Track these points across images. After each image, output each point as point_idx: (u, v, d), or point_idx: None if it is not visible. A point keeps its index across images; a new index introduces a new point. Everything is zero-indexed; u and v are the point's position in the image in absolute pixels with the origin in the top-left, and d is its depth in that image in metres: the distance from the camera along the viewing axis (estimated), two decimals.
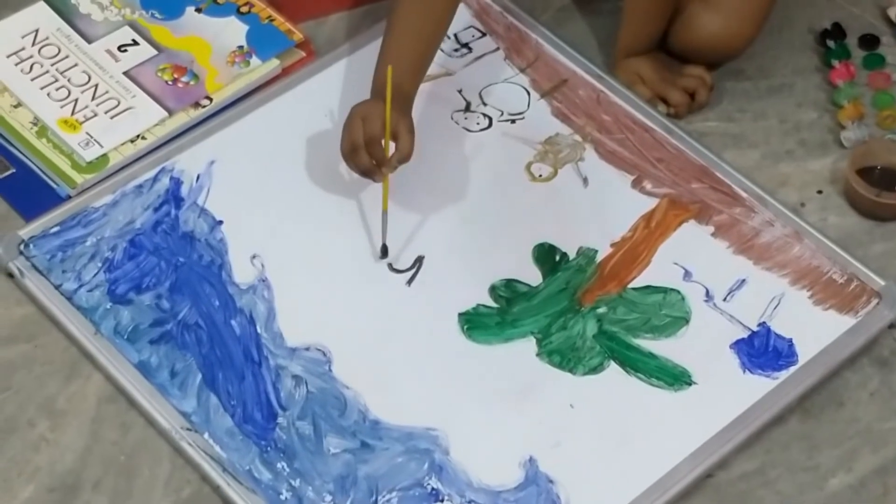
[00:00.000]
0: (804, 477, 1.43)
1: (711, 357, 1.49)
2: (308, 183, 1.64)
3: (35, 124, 1.69)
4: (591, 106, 1.73)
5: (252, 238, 1.58)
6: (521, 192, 1.65)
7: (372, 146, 1.52)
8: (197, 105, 1.71)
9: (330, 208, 1.62)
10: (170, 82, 1.73)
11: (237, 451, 1.41)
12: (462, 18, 1.81)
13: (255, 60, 1.76)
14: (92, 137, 1.67)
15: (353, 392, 1.46)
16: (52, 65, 1.75)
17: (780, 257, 1.58)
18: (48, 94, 1.71)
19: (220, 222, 1.60)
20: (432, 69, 1.70)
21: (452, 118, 1.72)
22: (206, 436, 1.42)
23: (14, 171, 1.66)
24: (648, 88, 1.74)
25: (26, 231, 1.58)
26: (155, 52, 1.76)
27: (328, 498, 1.38)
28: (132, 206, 1.61)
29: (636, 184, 1.66)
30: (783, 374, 1.48)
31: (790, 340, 1.51)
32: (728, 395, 1.46)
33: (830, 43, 1.80)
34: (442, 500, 1.39)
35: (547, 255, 1.58)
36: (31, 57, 1.75)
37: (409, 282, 1.56)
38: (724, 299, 1.54)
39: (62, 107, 1.70)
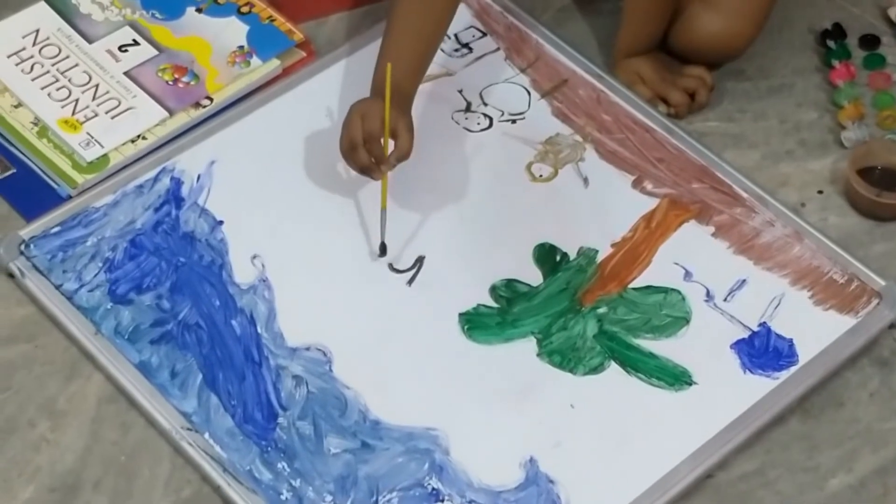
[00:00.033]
0: (804, 477, 1.43)
1: (712, 357, 1.49)
2: (309, 183, 1.64)
3: (36, 124, 1.69)
4: (591, 106, 1.73)
5: (252, 238, 1.59)
6: (522, 192, 1.65)
7: (371, 144, 1.52)
8: (197, 105, 1.71)
9: (330, 208, 1.62)
10: (170, 82, 1.73)
11: (237, 451, 1.41)
12: (462, 18, 1.81)
13: (255, 60, 1.76)
14: (92, 137, 1.67)
15: (354, 392, 1.46)
16: (53, 65, 1.75)
17: (781, 257, 1.58)
18: (49, 95, 1.71)
19: (221, 222, 1.60)
20: (433, 69, 1.70)
21: (453, 118, 1.72)
22: (206, 436, 1.42)
23: (15, 171, 1.66)
24: (649, 88, 1.74)
25: (27, 231, 1.58)
26: (155, 52, 1.76)
27: (328, 498, 1.39)
28: (133, 206, 1.61)
29: (637, 184, 1.66)
30: (783, 375, 1.48)
31: (790, 340, 1.51)
32: (728, 395, 1.46)
33: (831, 43, 1.80)
34: (442, 501, 1.39)
35: (547, 256, 1.58)
36: (31, 57, 1.75)
37: (410, 282, 1.56)
38: (725, 299, 1.54)
39: (63, 107, 1.70)
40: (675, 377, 1.48)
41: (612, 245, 1.59)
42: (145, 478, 1.41)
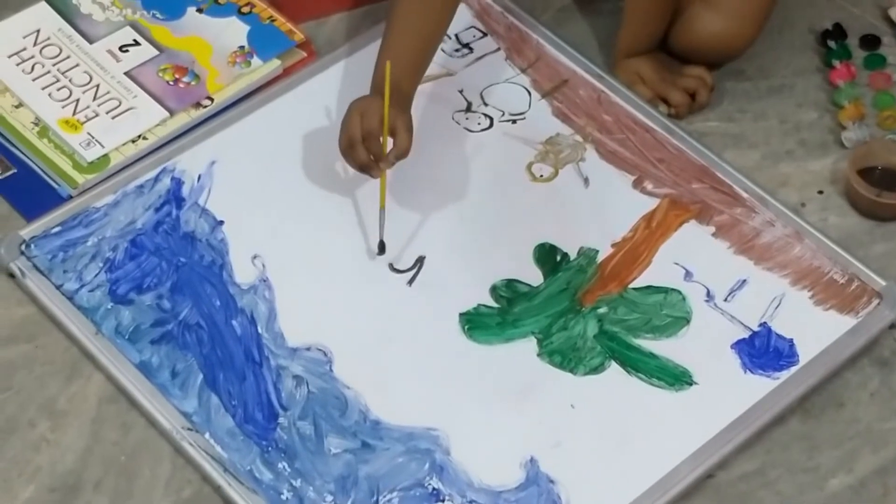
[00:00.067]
0: (804, 477, 1.43)
1: (712, 357, 1.49)
2: (309, 183, 1.64)
3: (36, 124, 1.69)
4: (591, 106, 1.73)
5: (253, 238, 1.59)
6: (522, 192, 1.65)
7: (369, 141, 1.52)
8: (198, 105, 1.71)
9: (331, 208, 1.62)
10: (171, 82, 1.73)
11: (238, 452, 1.41)
12: (463, 19, 1.81)
13: (256, 61, 1.76)
14: (93, 137, 1.67)
15: (354, 392, 1.46)
16: (54, 65, 1.75)
17: (781, 257, 1.58)
18: (49, 95, 1.71)
19: (221, 222, 1.60)
20: (433, 69, 1.71)
21: (453, 118, 1.72)
22: (206, 436, 1.42)
23: (15, 171, 1.66)
24: (649, 89, 1.74)
25: (27, 231, 1.58)
26: (156, 52, 1.76)
27: (329, 498, 1.39)
28: (133, 206, 1.62)
29: (637, 184, 1.66)
30: (784, 375, 1.48)
31: (791, 341, 1.51)
32: (729, 395, 1.46)
33: (831, 43, 1.80)
34: (443, 501, 1.39)
35: (548, 256, 1.58)
36: (32, 57, 1.76)
37: (410, 282, 1.56)
38: (725, 299, 1.54)
39: (63, 107, 1.70)
40: (676, 377, 1.48)
41: (613, 245, 1.59)
42: (146, 478, 1.41)
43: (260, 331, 1.50)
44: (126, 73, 1.74)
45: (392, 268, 1.57)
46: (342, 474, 1.40)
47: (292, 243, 1.58)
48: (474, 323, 1.52)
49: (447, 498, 1.39)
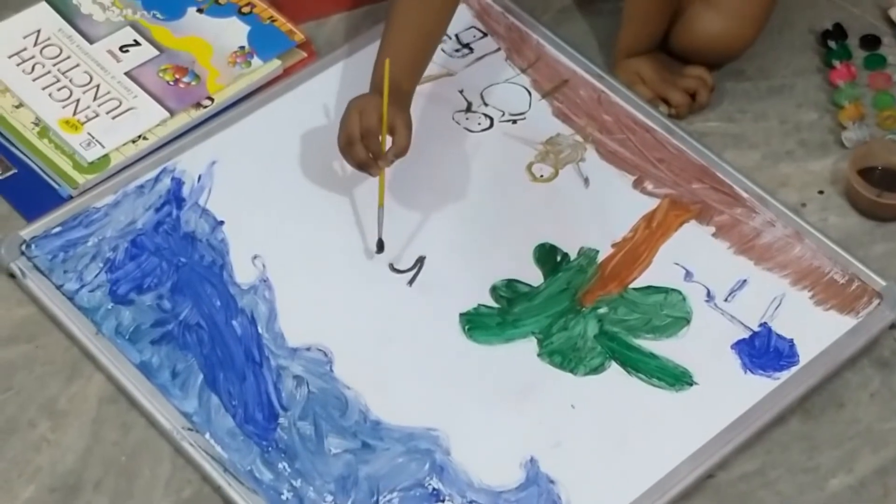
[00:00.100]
0: (804, 478, 1.43)
1: (712, 357, 1.49)
2: (309, 183, 1.64)
3: (36, 125, 1.69)
4: (592, 106, 1.73)
5: (253, 238, 1.59)
6: (522, 192, 1.65)
7: (368, 139, 1.52)
8: (198, 105, 1.71)
9: (331, 209, 1.62)
10: (171, 83, 1.73)
11: (238, 452, 1.41)
12: (463, 19, 1.81)
13: (256, 61, 1.76)
14: (93, 138, 1.67)
15: (354, 392, 1.46)
16: (54, 65, 1.75)
17: (781, 258, 1.58)
18: (50, 95, 1.72)
19: (222, 223, 1.60)
20: (433, 69, 1.71)
21: (454, 118, 1.72)
22: (207, 436, 1.42)
23: (15, 171, 1.66)
24: (649, 89, 1.74)
25: (28, 231, 1.58)
26: (156, 52, 1.76)
27: (329, 498, 1.39)
28: (133, 206, 1.62)
29: (637, 184, 1.66)
30: (784, 375, 1.48)
31: (791, 341, 1.51)
32: (729, 395, 1.46)
33: (831, 43, 1.80)
34: (443, 501, 1.39)
35: (548, 256, 1.58)
36: (32, 57, 1.76)
37: (411, 282, 1.56)
38: (725, 300, 1.54)
39: (64, 107, 1.70)
40: (676, 377, 1.48)
41: (613, 245, 1.59)
42: (146, 478, 1.41)
43: (260, 331, 1.50)
44: (126, 74, 1.74)
45: (392, 268, 1.57)
46: (342, 474, 1.40)
47: (292, 243, 1.58)
48: (474, 323, 1.52)
49: (447, 498, 1.39)
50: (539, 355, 1.50)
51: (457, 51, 1.79)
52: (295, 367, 1.48)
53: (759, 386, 1.47)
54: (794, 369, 1.48)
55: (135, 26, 1.79)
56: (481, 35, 1.81)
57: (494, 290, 1.55)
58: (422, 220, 1.61)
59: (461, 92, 1.75)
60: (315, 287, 1.55)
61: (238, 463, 1.40)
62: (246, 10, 1.82)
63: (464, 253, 1.58)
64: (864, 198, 1.63)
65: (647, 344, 1.51)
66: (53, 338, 1.52)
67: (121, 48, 1.77)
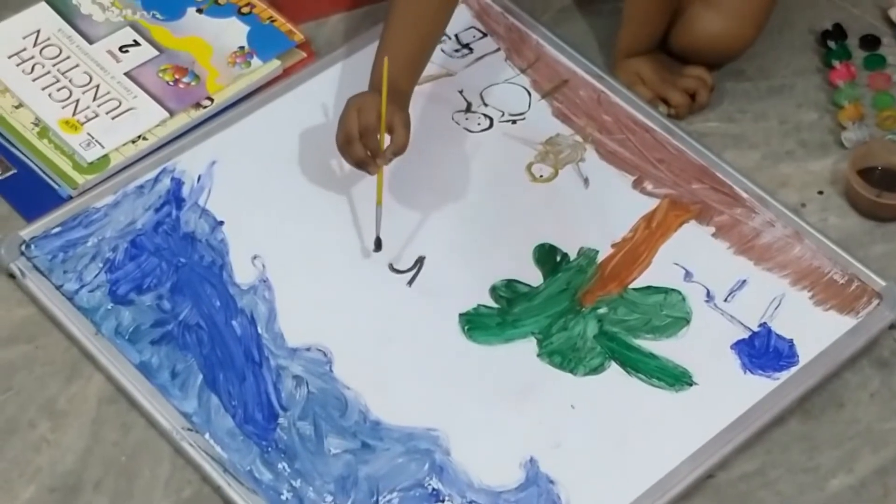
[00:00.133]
0: (804, 478, 1.43)
1: (712, 357, 1.49)
2: (309, 184, 1.64)
3: (36, 125, 1.69)
4: (591, 106, 1.73)
5: (253, 238, 1.59)
6: (522, 192, 1.65)
7: (367, 137, 1.52)
8: (198, 106, 1.71)
9: (331, 209, 1.62)
10: (171, 83, 1.73)
11: (238, 452, 1.41)
12: (463, 19, 1.81)
13: (255, 61, 1.76)
14: (93, 138, 1.67)
15: (354, 392, 1.46)
16: (54, 65, 1.75)
17: (781, 258, 1.58)
18: (49, 95, 1.72)
19: (221, 223, 1.60)
20: (433, 70, 1.71)
21: (453, 119, 1.72)
22: (206, 436, 1.42)
23: (15, 171, 1.66)
24: (649, 89, 1.74)
25: (27, 231, 1.58)
26: (156, 52, 1.76)
27: (329, 498, 1.39)
28: (133, 206, 1.62)
29: (637, 184, 1.66)
30: (784, 375, 1.48)
31: (791, 341, 1.51)
32: (728, 395, 1.46)
33: (831, 44, 1.80)
34: (443, 501, 1.39)
35: (548, 256, 1.58)
36: (32, 58, 1.76)
37: (410, 282, 1.56)
38: (725, 300, 1.54)
39: (63, 107, 1.70)
40: (676, 377, 1.48)
41: (613, 245, 1.59)
42: (146, 478, 1.41)
43: (260, 331, 1.50)
44: (126, 74, 1.74)
45: (392, 268, 1.57)
46: (342, 475, 1.40)
47: (292, 244, 1.58)
48: (474, 323, 1.52)
49: (447, 498, 1.39)
50: (539, 355, 1.50)
51: (456, 51, 1.79)
52: (295, 367, 1.48)
53: (759, 386, 1.47)
54: (793, 369, 1.48)
55: (134, 26, 1.79)
56: (481, 35, 1.81)
57: (494, 291, 1.55)
58: (421, 221, 1.61)
59: (461, 92, 1.75)
60: (315, 287, 1.55)
61: (238, 463, 1.40)
62: (245, 10, 1.82)
63: (463, 253, 1.58)
64: (863, 198, 1.63)
65: (647, 344, 1.51)
66: (53, 338, 1.52)
67: (120, 48, 1.77)
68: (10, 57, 1.75)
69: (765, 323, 1.52)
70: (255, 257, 1.57)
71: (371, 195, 1.57)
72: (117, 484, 1.41)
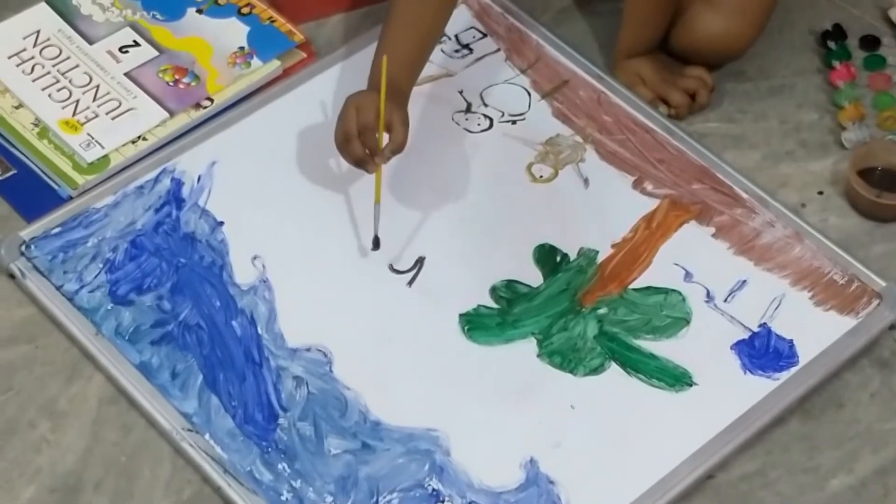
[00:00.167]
0: (805, 478, 1.43)
1: (712, 358, 1.49)
2: (309, 184, 1.64)
3: (36, 125, 1.69)
4: (591, 107, 1.73)
5: (253, 239, 1.59)
6: (522, 192, 1.65)
7: (365, 135, 1.52)
8: (198, 106, 1.71)
9: (331, 209, 1.62)
10: (171, 83, 1.73)
11: (238, 452, 1.41)
12: (463, 19, 1.81)
13: (256, 61, 1.76)
14: (93, 138, 1.67)
15: (354, 393, 1.46)
16: (54, 66, 1.75)
17: (781, 258, 1.58)
18: (49, 96, 1.72)
19: (221, 223, 1.60)
20: (433, 70, 1.71)
21: (453, 119, 1.72)
22: (207, 437, 1.42)
23: (15, 171, 1.66)
24: (649, 89, 1.74)
25: (27, 232, 1.58)
26: (156, 53, 1.76)
27: (329, 499, 1.39)
28: (133, 207, 1.62)
29: (637, 185, 1.66)
30: (784, 375, 1.48)
31: (791, 341, 1.51)
32: (729, 395, 1.46)
33: (831, 44, 1.80)
34: (443, 501, 1.39)
35: (548, 256, 1.58)
36: (32, 58, 1.76)
37: (410, 283, 1.56)
38: (725, 300, 1.54)
39: (63, 108, 1.70)
40: (676, 378, 1.48)
41: (613, 246, 1.59)
42: (146, 479, 1.41)
43: (260, 331, 1.50)
44: (126, 74, 1.74)
45: (392, 268, 1.57)
46: (342, 475, 1.40)
47: (292, 244, 1.58)
48: (474, 324, 1.52)
49: (447, 499, 1.39)
50: (539, 356, 1.50)
51: (456, 51, 1.79)
52: (295, 367, 1.48)
53: (759, 386, 1.47)
54: (793, 370, 1.48)
55: (134, 27, 1.79)
56: (481, 36, 1.81)
57: (494, 291, 1.55)
58: (421, 221, 1.61)
59: (461, 92, 1.75)
60: (315, 287, 1.55)
61: (238, 463, 1.40)
62: (246, 10, 1.82)
63: (463, 253, 1.58)
64: (863, 198, 1.63)
65: (647, 344, 1.51)
66: (53, 338, 1.52)
67: (120, 49, 1.77)
68: (10, 57, 1.75)
69: (765, 323, 1.52)
70: (255, 258, 1.57)
71: (371, 195, 1.57)
72: (117, 484, 1.41)
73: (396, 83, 1.54)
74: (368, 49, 1.68)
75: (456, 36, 1.80)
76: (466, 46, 1.80)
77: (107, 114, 1.70)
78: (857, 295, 1.55)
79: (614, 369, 1.49)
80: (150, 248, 1.58)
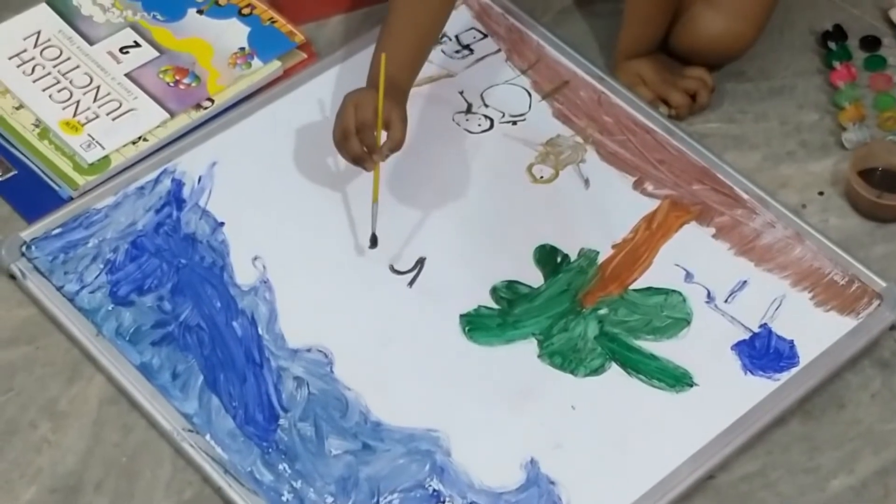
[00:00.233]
0: (805, 478, 1.43)
1: (713, 358, 1.49)
2: (310, 184, 1.64)
3: (37, 126, 1.69)
4: (592, 107, 1.73)
5: (253, 239, 1.59)
6: (523, 193, 1.65)
7: (364, 133, 1.52)
8: (198, 107, 1.71)
9: (332, 210, 1.62)
10: (171, 84, 1.73)
11: (239, 453, 1.41)
12: (463, 19, 1.81)
13: (256, 62, 1.76)
14: (94, 139, 1.67)
15: (355, 393, 1.46)
16: (54, 66, 1.75)
17: (782, 259, 1.58)
18: (50, 96, 1.72)
19: (222, 224, 1.60)
20: (434, 70, 1.71)
21: (454, 120, 1.72)
22: (207, 437, 1.42)
23: (16, 172, 1.66)
24: (650, 90, 1.74)
25: (28, 233, 1.58)
26: (157, 53, 1.76)
27: (330, 499, 1.39)
28: (134, 207, 1.62)
29: (637, 185, 1.66)
30: (784, 376, 1.48)
31: (791, 342, 1.51)
32: (729, 396, 1.46)
33: (831, 44, 1.80)
34: (443, 502, 1.39)
35: (548, 257, 1.58)
36: (32, 59, 1.76)
37: (411, 283, 1.56)
38: (726, 301, 1.54)
39: (64, 108, 1.70)
40: (676, 378, 1.48)
41: (613, 246, 1.59)
42: (146, 479, 1.41)
43: (260, 332, 1.50)
44: (126, 75, 1.74)
45: (392, 269, 1.57)
46: (343, 476, 1.40)
47: (293, 244, 1.58)
48: (475, 324, 1.52)
49: (448, 499, 1.39)
50: (539, 356, 1.50)
51: (457, 52, 1.79)
52: (295, 368, 1.48)
53: (760, 387, 1.47)
54: (794, 370, 1.48)
55: (135, 28, 1.79)
56: (481, 36, 1.81)
57: (495, 292, 1.55)
58: (422, 222, 1.61)
59: (461, 93, 1.75)
60: (315, 288, 1.55)
61: (238, 464, 1.40)
62: (246, 11, 1.82)
63: (464, 254, 1.58)
64: (864, 199, 1.63)
65: (648, 345, 1.51)
66: (54, 339, 1.52)
67: (121, 49, 1.77)
68: (10, 58, 1.75)
69: (765, 324, 1.52)
70: (255, 258, 1.57)
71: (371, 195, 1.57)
72: (118, 485, 1.41)
73: (395, 81, 1.54)
74: (369, 50, 1.68)
75: (456, 36, 1.80)
76: (467, 47, 1.80)
77: (107, 114, 1.70)
78: (857, 295, 1.55)
79: (615, 370, 1.49)
80: (151, 248, 1.58)
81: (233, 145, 1.68)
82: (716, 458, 1.42)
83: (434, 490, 1.39)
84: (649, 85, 1.75)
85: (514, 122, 1.72)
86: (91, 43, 1.78)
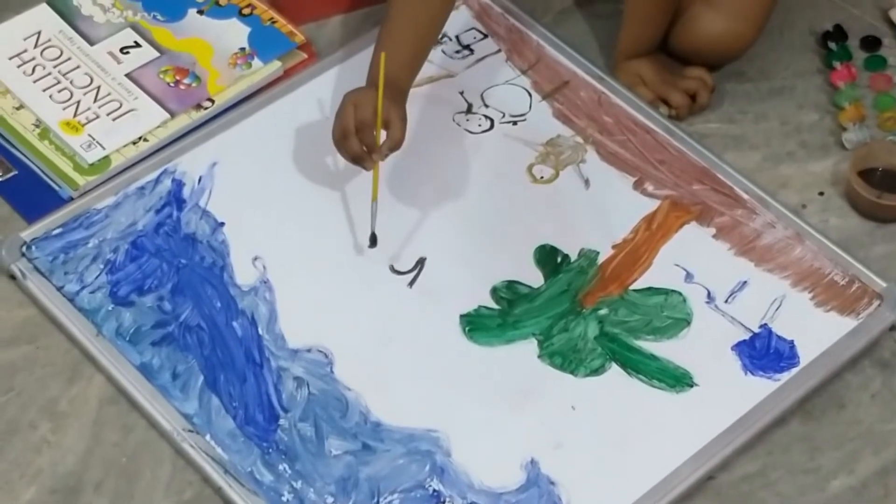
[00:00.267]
0: (805, 479, 1.43)
1: (713, 359, 1.49)
2: (310, 185, 1.64)
3: (37, 126, 1.69)
4: (592, 108, 1.73)
5: (254, 240, 1.59)
6: (523, 193, 1.65)
7: (363, 132, 1.52)
8: (199, 107, 1.71)
9: (332, 210, 1.62)
10: (172, 84, 1.73)
11: (239, 453, 1.41)
12: (463, 20, 1.81)
13: (256, 62, 1.76)
14: (94, 139, 1.67)
15: (355, 394, 1.46)
16: (55, 67, 1.75)
17: (782, 259, 1.58)
18: (50, 96, 1.72)
19: (222, 224, 1.60)
20: (434, 71, 1.71)
21: (454, 120, 1.72)
22: (207, 437, 1.42)
23: (16, 172, 1.66)
24: (650, 90, 1.74)
25: (28, 233, 1.58)
26: (157, 53, 1.76)
27: (330, 500, 1.39)
28: (134, 207, 1.62)
29: (637, 185, 1.66)
30: (784, 376, 1.48)
31: (791, 342, 1.51)
32: (729, 396, 1.46)
33: (832, 45, 1.80)
34: (443, 502, 1.39)
35: (548, 257, 1.58)
36: (33, 59, 1.76)
37: (411, 283, 1.56)
38: (726, 301, 1.54)
39: (64, 109, 1.70)
40: (676, 379, 1.48)
41: (613, 246, 1.59)
42: (146, 479, 1.41)
43: (261, 332, 1.50)
44: (127, 75, 1.74)
45: (393, 269, 1.57)
46: (343, 476, 1.40)
47: (293, 245, 1.59)
48: (475, 324, 1.52)
49: (448, 499, 1.39)
50: (539, 357, 1.50)
51: (457, 52, 1.79)
52: (295, 368, 1.48)
53: (760, 387, 1.47)
54: (794, 370, 1.48)
55: (135, 28, 1.79)
56: (482, 36, 1.81)
57: (495, 292, 1.55)
58: (422, 222, 1.61)
59: (461, 93, 1.75)
60: (315, 288, 1.55)
61: (238, 464, 1.40)
62: (247, 11, 1.82)
63: (464, 254, 1.58)
64: (864, 199, 1.63)
65: (648, 345, 1.51)
66: (54, 339, 1.52)
67: (121, 50, 1.77)
68: (10, 58, 1.75)
69: (765, 324, 1.52)
70: (255, 258, 1.57)
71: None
72: (118, 485, 1.41)
73: (395, 80, 1.54)
74: (369, 50, 1.67)
75: (457, 37, 1.80)
76: (467, 47, 1.80)
77: (108, 115, 1.70)
78: (857, 296, 1.55)
79: (615, 370, 1.49)
80: (151, 248, 1.58)
81: (233, 145, 1.68)
82: (716, 458, 1.42)
83: (434, 490, 1.39)
84: (649, 85, 1.75)
85: (515, 123, 1.72)
86: (91, 43, 1.78)
